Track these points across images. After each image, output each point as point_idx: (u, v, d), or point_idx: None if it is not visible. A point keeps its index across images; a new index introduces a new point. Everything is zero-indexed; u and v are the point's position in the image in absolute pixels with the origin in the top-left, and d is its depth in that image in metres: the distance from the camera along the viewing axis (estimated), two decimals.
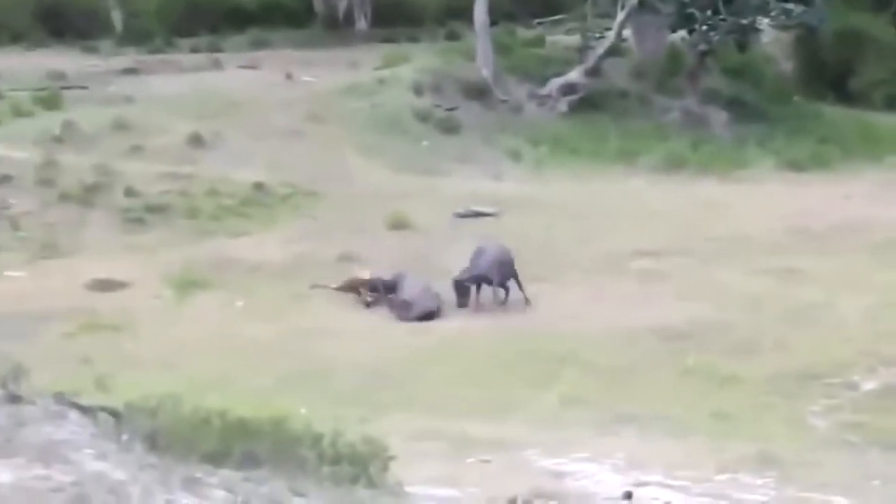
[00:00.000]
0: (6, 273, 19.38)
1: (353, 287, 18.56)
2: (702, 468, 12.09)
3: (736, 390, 15.16)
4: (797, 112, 28.74)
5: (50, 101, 26.42)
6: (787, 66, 31.97)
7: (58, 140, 23.88)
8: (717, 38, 28.80)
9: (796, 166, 25.49)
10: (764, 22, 30.40)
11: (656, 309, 17.84)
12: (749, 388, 15.25)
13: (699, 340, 16.72)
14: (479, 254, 18.51)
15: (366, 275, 18.63)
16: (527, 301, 18.34)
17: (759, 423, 14.06)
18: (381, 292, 18.37)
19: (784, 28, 31.13)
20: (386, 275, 18.50)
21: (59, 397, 7.20)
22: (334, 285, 18.58)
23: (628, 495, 10.91)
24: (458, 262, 19.72)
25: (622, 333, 16.97)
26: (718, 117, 28.14)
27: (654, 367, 15.98)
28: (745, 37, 29.56)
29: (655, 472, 11.83)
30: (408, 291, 18.19)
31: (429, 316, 18.04)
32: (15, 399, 6.75)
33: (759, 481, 11.83)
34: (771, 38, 31.81)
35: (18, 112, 25.64)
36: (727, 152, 26.28)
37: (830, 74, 30.67)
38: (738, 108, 28.35)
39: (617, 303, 18.22)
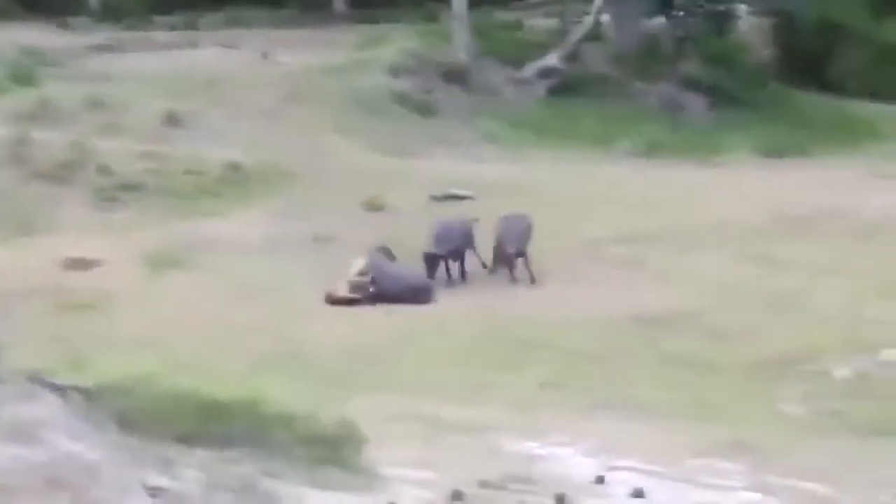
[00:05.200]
0: None
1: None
2: (676, 453, 12.09)
3: (713, 377, 15.16)
4: (775, 99, 28.76)
5: (24, 78, 26.18)
6: (766, 53, 31.99)
7: (32, 117, 23.66)
8: (694, 24, 28.85)
9: (774, 152, 25.51)
10: (741, 8, 30.47)
11: (635, 295, 17.81)
12: (726, 374, 15.25)
13: (677, 327, 16.72)
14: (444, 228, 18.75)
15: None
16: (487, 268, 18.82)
17: (736, 410, 14.06)
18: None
19: (762, 15, 31.21)
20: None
21: (34, 377, 7.14)
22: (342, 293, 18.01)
23: (600, 479, 10.91)
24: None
25: (601, 319, 16.94)
26: (697, 103, 28.15)
27: (631, 353, 15.96)
28: (722, 23, 29.62)
29: (629, 457, 11.83)
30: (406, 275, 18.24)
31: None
32: None
33: (734, 467, 11.83)
34: (750, 26, 31.81)
35: None
36: (705, 138, 26.29)
37: (808, 62, 30.67)
38: (717, 95, 28.36)
39: (596, 288, 18.19)
